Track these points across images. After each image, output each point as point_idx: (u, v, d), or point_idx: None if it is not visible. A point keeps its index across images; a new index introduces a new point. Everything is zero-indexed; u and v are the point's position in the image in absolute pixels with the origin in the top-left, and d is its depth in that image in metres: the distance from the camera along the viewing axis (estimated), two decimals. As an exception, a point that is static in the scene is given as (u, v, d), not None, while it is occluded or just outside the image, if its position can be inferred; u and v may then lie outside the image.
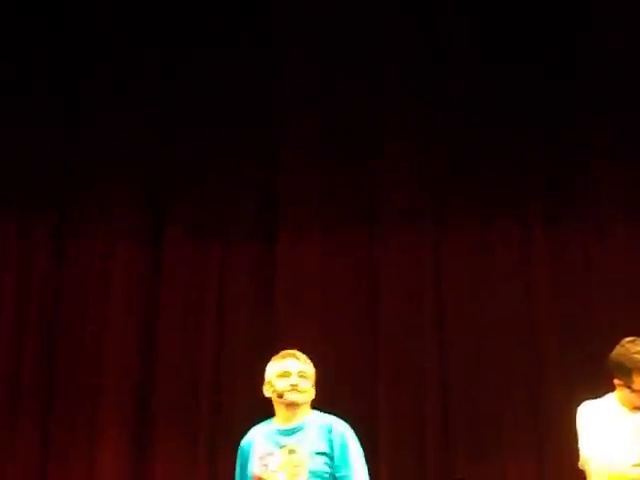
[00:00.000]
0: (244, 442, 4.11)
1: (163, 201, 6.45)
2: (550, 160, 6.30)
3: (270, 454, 3.98)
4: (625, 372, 3.98)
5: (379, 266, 6.27)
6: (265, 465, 3.96)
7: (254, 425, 4.23)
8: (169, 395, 6.15)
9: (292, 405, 4.05)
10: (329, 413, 4.16)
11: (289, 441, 3.99)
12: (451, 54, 6.48)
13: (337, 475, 3.96)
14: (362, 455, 4.03)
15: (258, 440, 4.05)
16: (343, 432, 4.04)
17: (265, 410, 4.22)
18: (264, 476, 3.95)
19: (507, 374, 6.05)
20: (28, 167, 6.43)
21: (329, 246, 6.33)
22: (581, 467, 4.04)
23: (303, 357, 4.17)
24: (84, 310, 6.31)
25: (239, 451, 4.10)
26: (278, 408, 4.10)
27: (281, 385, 4.06)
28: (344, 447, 3.99)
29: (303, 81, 6.49)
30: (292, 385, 4.06)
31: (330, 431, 4.02)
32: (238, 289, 6.33)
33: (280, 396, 4.05)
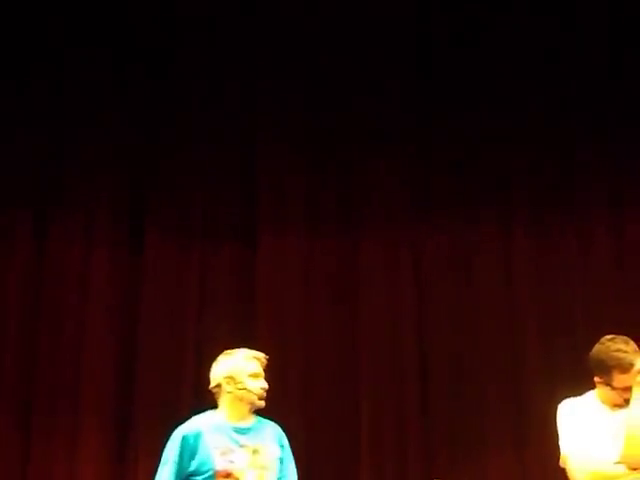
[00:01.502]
0: (189, 431, 3.96)
1: (143, 203, 6.45)
2: (533, 162, 6.33)
3: (231, 451, 3.93)
4: (605, 370, 3.98)
5: (360, 265, 6.29)
6: (231, 462, 3.91)
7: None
8: (150, 396, 6.14)
9: (257, 409, 4.05)
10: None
11: (248, 441, 3.98)
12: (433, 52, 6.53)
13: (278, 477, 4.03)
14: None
15: (209, 433, 3.95)
16: (285, 439, 4.15)
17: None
18: (234, 472, 3.91)
19: (488, 372, 6.07)
20: (9, 167, 6.43)
21: (309, 246, 6.34)
22: (562, 465, 4.05)
23: (265, 361, 4.15)
24: (63, 312, 6.30)
25: (181, 440, 3.94)
26: (238, 406, 4.04)
27: (254, 385, 4.03)
28: (288, 453, 4.10)
29: (286, 81, 6.51)
30: (264, 389, 4.04)
31: (281, 437, 4.11)
32: (219, 290, 6.33)
33: (261, 398, 4.03)
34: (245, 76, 6.56)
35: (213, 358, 6.12)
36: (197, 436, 3.96)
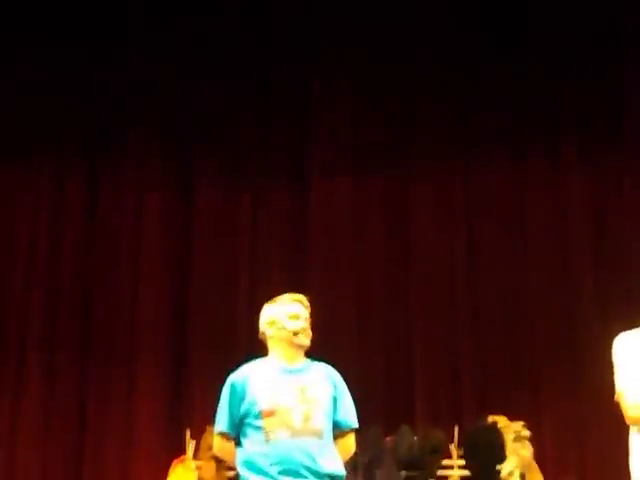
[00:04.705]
0: (236, 379, 4.02)
1: (194, 149, 6.52)
2: (583, 95, 6.24)
3: (278, 391, 3.95)
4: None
5: (410, 205, 6.28)
6: (278, 400, 3.95)
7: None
8: (205, 332, 6.24)
9: (302, 347, 4.07)
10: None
11: (296, 380, 4.00)
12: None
13: (335, 419, 4.02)
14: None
15: (258, 377, 3.99)
16: (338, 377, 4.12)
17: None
18: (279, 410, 3.95)
19: (542, 309, 6.05)
20: (61, 120, 6.52)
21: (361, 187, 6.33)
22: (617, 400, 4.02)
23: (307, 303, 4.15)
24: (118, 256, 6.41)
25: (230, 388, 4.01)
26: (284, 348, 4.07)
27: (293, 326, 4.04)
28: (341, 391, 4.08)
29: (335, 30, 6.49)
30: (303, 328, 4.07)
31: (332, 375, 4.10)
32: (270, 234, 6.37)
33: (296, 334, 4.06)
34: (292, 33, 6.55)
35: (265, 296, 6.21)
36: (244, 381, 4.01)
